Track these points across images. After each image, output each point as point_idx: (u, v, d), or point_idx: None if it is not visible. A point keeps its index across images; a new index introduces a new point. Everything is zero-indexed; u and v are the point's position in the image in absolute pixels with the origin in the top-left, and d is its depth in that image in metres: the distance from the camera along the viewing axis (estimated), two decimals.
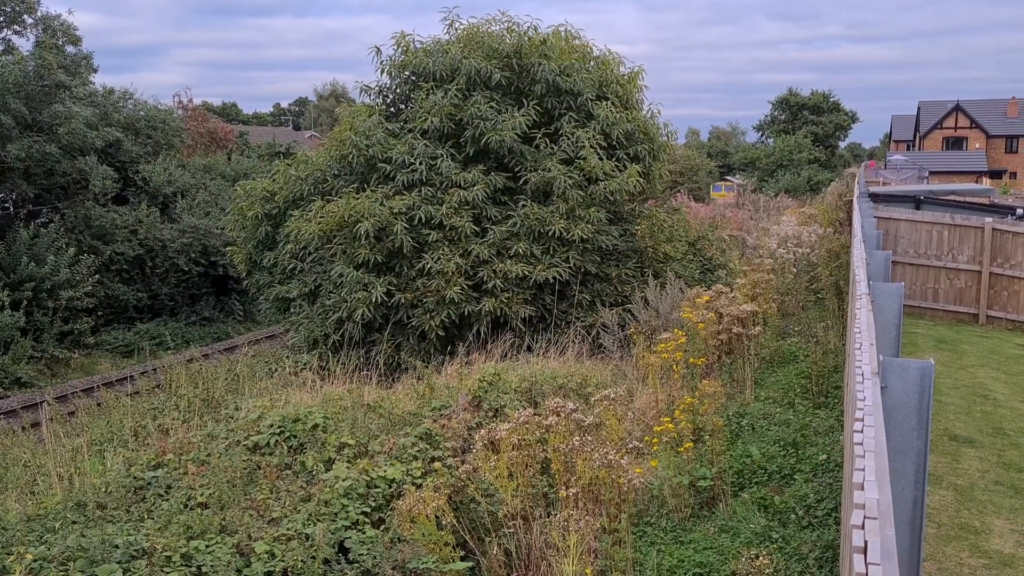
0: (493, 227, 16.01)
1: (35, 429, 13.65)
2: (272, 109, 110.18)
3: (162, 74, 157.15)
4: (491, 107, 16.61)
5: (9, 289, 27.41)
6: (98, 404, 14.22)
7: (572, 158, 16.67)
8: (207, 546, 6.19)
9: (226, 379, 14.17)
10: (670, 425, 8.29)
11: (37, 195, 31.77)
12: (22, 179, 29.82)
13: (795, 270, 17.68)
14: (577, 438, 6.70)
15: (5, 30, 28.36)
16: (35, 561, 5.67)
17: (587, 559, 5.75)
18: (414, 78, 18.05)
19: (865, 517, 2.08)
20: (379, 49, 18.00)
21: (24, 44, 29.01)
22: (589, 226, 16.07)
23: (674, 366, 10.24)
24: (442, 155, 16.38)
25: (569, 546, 5.55)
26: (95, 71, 31.65)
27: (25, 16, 28.41)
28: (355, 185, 16.74)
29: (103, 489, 7.70)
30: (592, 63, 18.56)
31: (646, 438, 8.34)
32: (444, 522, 6.64)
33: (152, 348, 28.15)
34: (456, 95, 16.68)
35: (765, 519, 7.44)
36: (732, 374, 11.34)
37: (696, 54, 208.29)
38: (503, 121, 16.40)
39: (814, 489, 7.70)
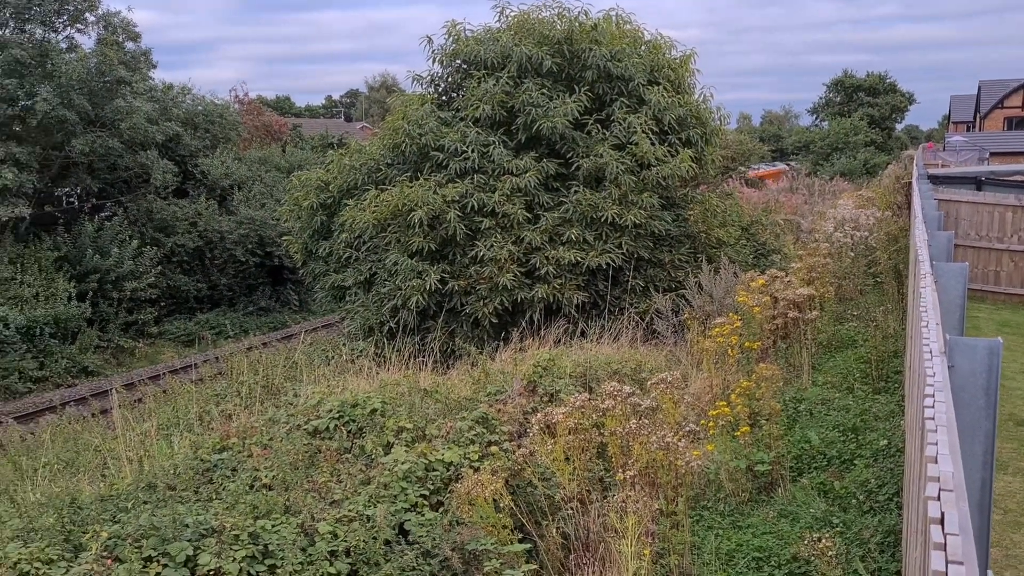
0: (545, 214, 16.03)
1: (104, 415, 14.11)
2: (324, 101, 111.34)
3: (215, 70, 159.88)
4: (542, 94, 16.61)
5: (75, 281, 28.31)
6: (164, 391, 14.64)
7: (624, 143, 16.59)
8: (273, 526, 6.35)
9: (284, 366, 14.44)
10: (726, 409, 8.25)
11: (101, 189, 32.70)
12: (86, 173, 30.71)
13: (852, 254, 17.36)
14: (634, 421, 6.72)
15: (68, 28, 29.12)
16: (110, 539, 5.89)
17: (645, 541, 5.78)
18: (465, 66, 18.12)
19: (940, 489, 2.08)
20: (430, 38, 18.13)
21: (86, 41, 29.78)
22: (642, 211, 16.00)
23: (729, 350, 10.17)
24: (494, 142, 16.44)
25: (627, 527, 5.58)
26: (154, 67, 32.39)
27: (87, 14, 29.13)
28: (408, 174, 16.89)
29: (172, 471, 7.95)
30: (643, 48, 18.42)
31: (702, 422, 8.31)
32: (502, 505, 6.72)
33: (212, 337, 28.80)
34: (507, 82, 16.72)
35: (825, 504, 7.38)
36: (788, 359, 11.21)
37: (748, 37, 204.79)
38: (554, 108, 16.39)
39: (875, 474, 7.61)
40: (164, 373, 18.81)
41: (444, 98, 18.84)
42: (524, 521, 6.96)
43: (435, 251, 15.82)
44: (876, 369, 10.35)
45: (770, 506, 7.58)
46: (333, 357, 14.70)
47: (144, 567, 5.66)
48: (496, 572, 6.18)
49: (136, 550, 5.77)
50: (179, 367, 23.55)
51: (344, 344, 16.00)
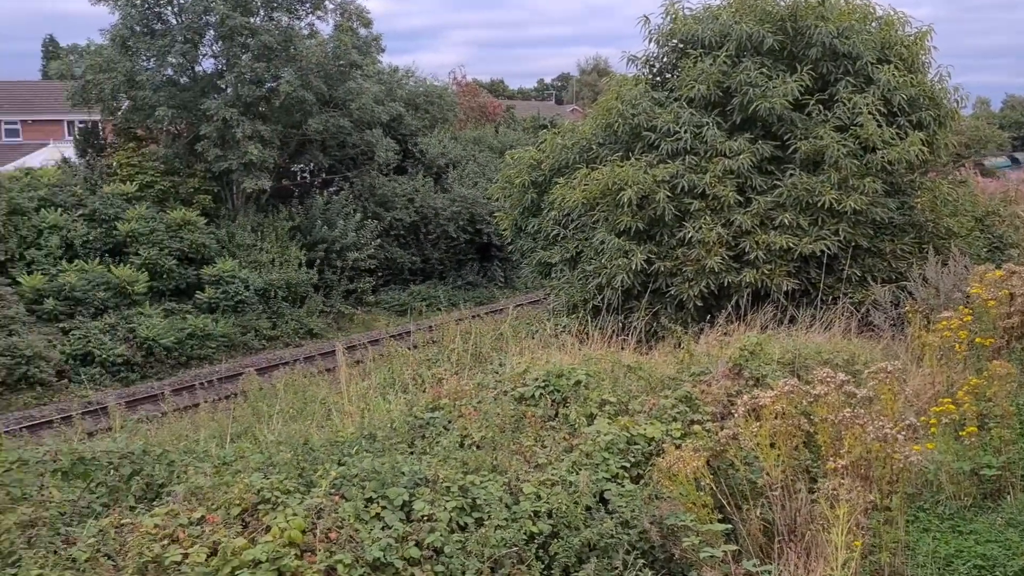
0: (757, 197, 15.56)
1: (328, 373, 15.31)
2: (536, 84, 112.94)
3: (439, 54, 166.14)
4: (761, 73, 16.06)
5: (305, 249, 30.76)
6: (381, 354, 15.65)
7: (847, 125, 15.75)
8: (481, 481, 6.70)
9: (492, 337, 14.98)
10: (951, 407, 7.75)
11: (331, 165, 35.24)
12: (319, 150, 33.21)
13: None
14: (848, 410, 6.46)
15: (310, 15, 31.57)
16: (338, 478, 6.45)
17: (856, 533, 5.57)
18: (681, 46, 17.86)
19: None
20: (647, 18, 18.06)
21: (323, 28, 32.19)
22: (863, 197, 15.15)
23: (956, 346, 9.49)
24: (708, 123, 16.12)
25: (838, 517, 5.41)
26: (382, 51, 34.35)
27: (326, 1, 31.44)
28: (619, 153, 16.93)
29: (389, 425, 8.53)
30: (874, 24, 17.37)
31: (922, 419, 7.84)
32: (702, 484, 6.70)
33: (424, 308, 30.34)
34: (724, 62, 16.31)
35: None
36: None
37: (988, 15, 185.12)
38: (773, 88, 15.82)
39: None
40: (383, 338, 20.08)
41: (658, 79, 18.67)
42: (724, 502, 6.90)
43: (642, 231, 15.80)
44: None
45: (996, 513, 7.09)
46: (538, 331, 15.08)
47: (366, 506, 6.17)
48: (694, 548, 6.19)
49: (360, 490, 6.29)
50: (394, 334, 25.03)
51: (548, 319, 16.36)
